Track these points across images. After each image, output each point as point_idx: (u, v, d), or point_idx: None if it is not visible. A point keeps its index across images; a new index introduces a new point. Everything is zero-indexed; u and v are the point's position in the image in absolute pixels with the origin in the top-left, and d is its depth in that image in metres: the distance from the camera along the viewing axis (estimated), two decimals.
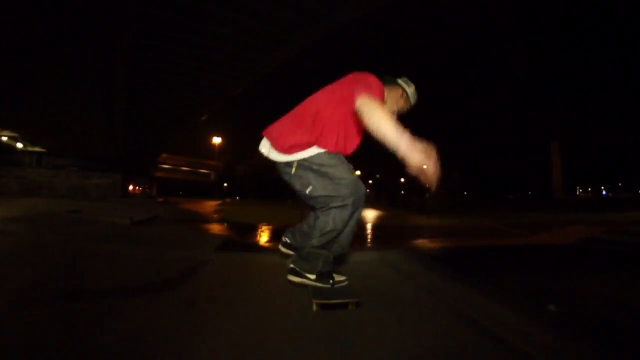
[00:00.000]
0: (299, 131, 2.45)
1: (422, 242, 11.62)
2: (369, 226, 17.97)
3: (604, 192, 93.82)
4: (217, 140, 77.01)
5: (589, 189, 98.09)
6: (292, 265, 2.51)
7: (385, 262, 3.48)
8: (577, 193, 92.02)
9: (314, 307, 2.24)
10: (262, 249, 7.57)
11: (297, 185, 2.50)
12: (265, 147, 2.62)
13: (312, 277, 2.45)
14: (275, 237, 13.46)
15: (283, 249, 2.86)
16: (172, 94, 24.63)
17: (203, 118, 33.43)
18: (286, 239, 2.86)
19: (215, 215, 21.23)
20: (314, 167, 2.41)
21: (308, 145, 2.43)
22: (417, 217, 25.65)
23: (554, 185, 65.34)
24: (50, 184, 39.95)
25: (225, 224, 16.55)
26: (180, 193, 68.01)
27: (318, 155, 2.43)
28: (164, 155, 64.43)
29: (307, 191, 2.45)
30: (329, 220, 2.40)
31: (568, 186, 71.99)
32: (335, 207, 2.37)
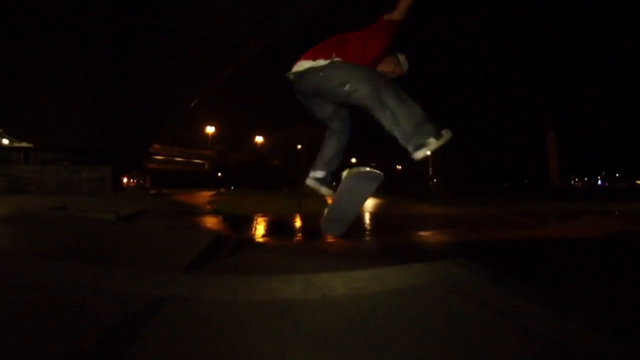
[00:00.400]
0: (335, 44, 2.77)
1: (448, 236, 10.82)
2: (379, 216, 17.30)
3: (599, 182, 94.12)
4: (210, 129, 76.01)
5: (585, 179, 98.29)
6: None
7: (449, 285, 2.53)
8: (572, 182, 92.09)
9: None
10: (257, 257, 6.64)
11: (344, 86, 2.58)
12: (307, 64, 2.74)
13: (433, 140, 2.42)
14: (272, 231, 12.67)
15: (313, 184, 3.01)
16: (157, 76, 23.55)
17: (192, 104, 32.38)
18: (316, 174, 3.03)
19: (207, 207, 20.39)
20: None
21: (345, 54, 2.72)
22: (420, 205, 24.90)
23: (550, 173, 65.25)
24: (38, 180, 38.91)
25: (217, 217, 15.72)
26: (173, 184, 67.26)
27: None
28: (156, 146, 63.30)
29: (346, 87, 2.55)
30: (394, 101, 2.46)
31: (563, 175, 71.93)
32: (383, 88, 2.46)
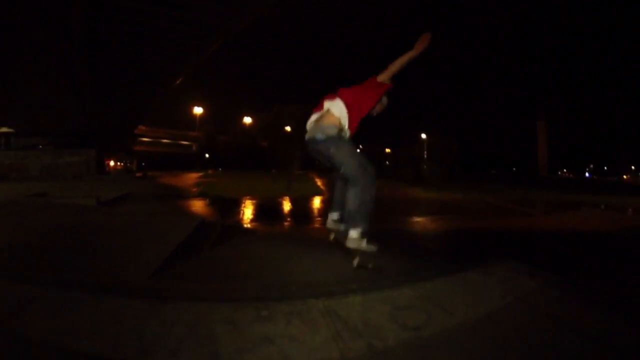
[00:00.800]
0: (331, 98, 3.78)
1: (455, 224, 10.28)
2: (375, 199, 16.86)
3: (587, 174, 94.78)
4: (198, 110, 74.94)
5: (573, 170, 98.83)
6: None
7: (531, 307, 1.92)
8: (559, 173, 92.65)
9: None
10: (245, 249, 6.01)
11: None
12: (317, 132, 3.62)
13: (364, 245, 3.32)
14: (261, 215, 12.13)
15: (332, 225, 3.84)
16: (136, 51, 22.60)
17: (177, 82, 31.43)
18: (333, 216, 3.84)
19: (194, 189, 19.74)
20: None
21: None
22: (413, 189, 24.45)
23: (539, 163, 65.48)
24: (21, 166, 37.74)
25: (203, 200, 15.13)
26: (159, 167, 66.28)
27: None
28: (143, 127, 62.41)
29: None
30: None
31: (552, 165, 72.32)
32: (362, 181, 3.42)
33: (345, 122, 3.56)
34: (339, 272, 4.11)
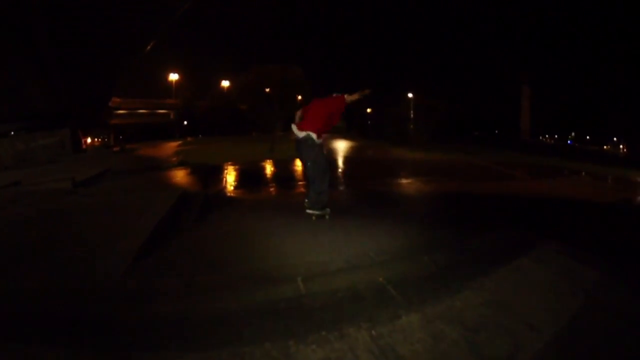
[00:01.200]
0: (311, 120, 5.51)
1: (452, 186, 9.96)
2: (359, 161, 16.58)
3: (569, 142, 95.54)
4: (174, 77, 72.99)
5: (555, 136, 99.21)
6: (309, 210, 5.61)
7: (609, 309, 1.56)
8: (541, 138, 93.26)
9: (313, 218, 5.51)
10: (233, 224, 5.52)
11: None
12: (303, 134, 5.44)
13: (317, 211, 5.53)
14: (246, 182, 11.70)
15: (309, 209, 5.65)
16: (100, 15, 21.30)
17: (148, 47, 30.12)
18: (306, 199, 5.77)
19: (173, 159, 19.12)
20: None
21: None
22: (399, 149, 24.04)
23: (521, 127, 65.68)
24: None
25: (184, 169, 14.61)
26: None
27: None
28: (117, 99, 60.53)
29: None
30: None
31: (534, 131, 72.60)
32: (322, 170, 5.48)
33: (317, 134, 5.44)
34: (343, 250, 3.68)
